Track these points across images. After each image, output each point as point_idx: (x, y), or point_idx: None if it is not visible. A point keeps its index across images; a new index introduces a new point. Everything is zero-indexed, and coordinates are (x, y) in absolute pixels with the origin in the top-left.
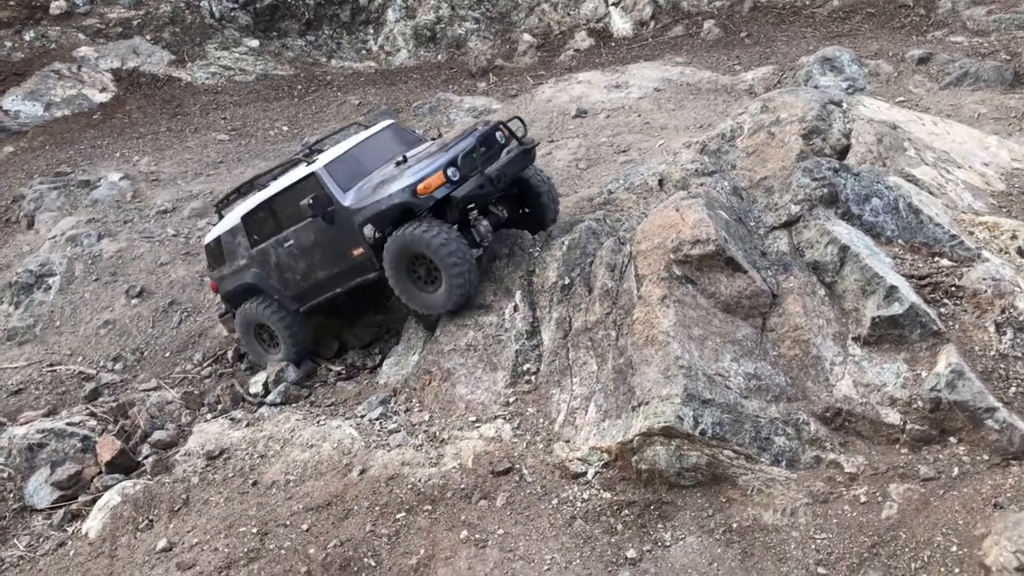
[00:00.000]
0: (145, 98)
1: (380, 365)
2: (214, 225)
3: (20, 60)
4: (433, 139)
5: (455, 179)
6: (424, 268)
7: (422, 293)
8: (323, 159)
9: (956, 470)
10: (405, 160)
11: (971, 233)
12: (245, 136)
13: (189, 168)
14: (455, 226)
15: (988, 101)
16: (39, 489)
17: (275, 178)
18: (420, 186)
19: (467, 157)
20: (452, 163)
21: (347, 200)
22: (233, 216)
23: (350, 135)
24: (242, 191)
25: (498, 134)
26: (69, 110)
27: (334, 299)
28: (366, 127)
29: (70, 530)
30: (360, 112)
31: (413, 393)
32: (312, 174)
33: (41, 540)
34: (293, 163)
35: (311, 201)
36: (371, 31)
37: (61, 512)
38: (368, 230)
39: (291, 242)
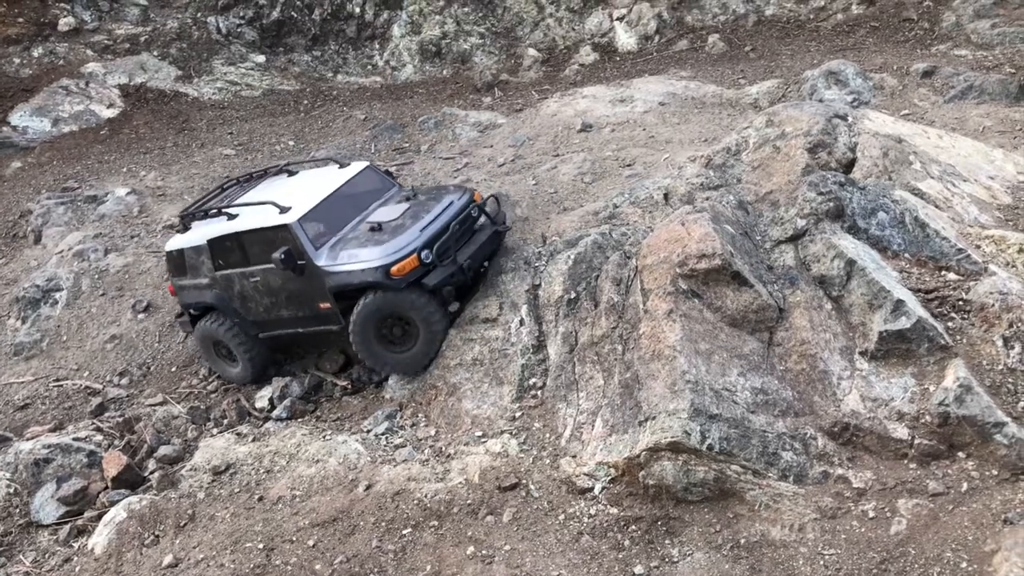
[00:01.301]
0: (152, 113)
1: (386, 380)
2: (178, 232)
3: (28, 76)
4: (408, 196)
5: (428, 262)
6: (399, 328)
7: (390, 353)
8: (297, 208)
9: (965, 485)
10: (380, 227)
11: (978, 247)
12: (252, 151)
13: (196, 183)
14: None
15: (993, 114)
16: (45, 504)
17: (242, 186)
18: (394, 268)
19: (443, 246)
20: (428, 245)
21: (319, 259)
22: (200, 235)
23: (325, 169)
24: (209, 212)
25: (473, 209)
26: (77, 126)
27: (294, 336)
28: (341, 165)
29: (76, 546)
30: (366, 127)
31: (419, 408)
32: (286, 226)
33: (47, 556)
34: (262, 176)
35: (283, 256)
36: (377, 46)
37: (67, 528)
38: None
39: (257, 279)
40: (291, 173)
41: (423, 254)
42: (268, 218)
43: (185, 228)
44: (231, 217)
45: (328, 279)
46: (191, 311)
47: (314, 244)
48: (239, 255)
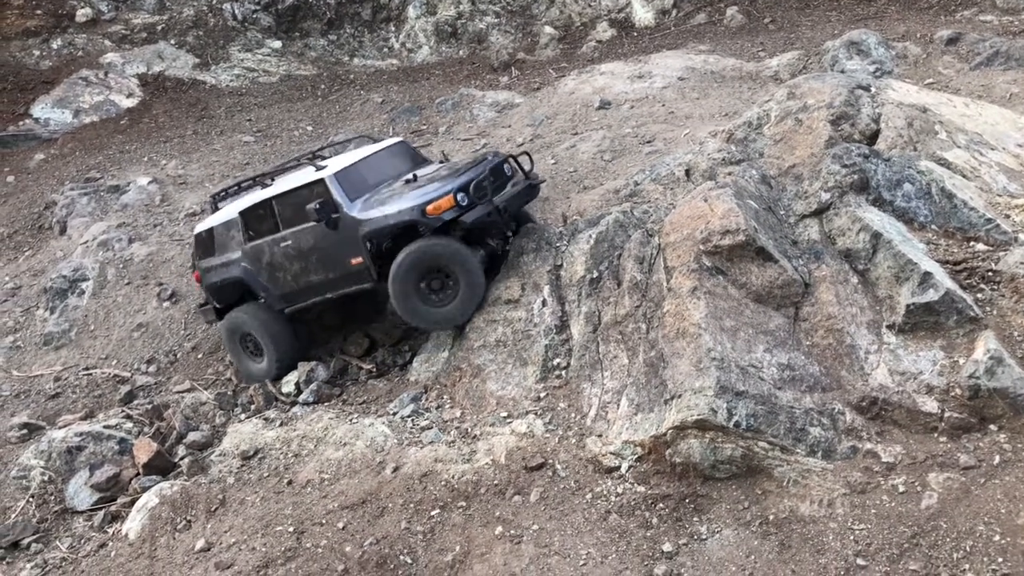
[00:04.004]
0: (171, 102)
1: (410, 362)
2: (207, 215)
3: (48, 68)
4: (441, 162)
5: (464, 204)
6: (438, 282)
7: (428, 307)
8: (333, 166)
9: (997, 458)
10: (415, 179)
11: (1007, 216)
12: (270, 137)
13: (216, 170)
14: None
15: (1020, 81)
16: (79, 491)
17: (272, 179)
18: (430, 206)
19: (478, 185)
20: (463, 188)
21: (353, 210)
22: (231, 209)
23: (358, 146)
24: (242, 186)
25: (506, 166)
26: (97, 116)
27: (322, 303)
28: (375, 140)
29: (110, 531)
30: (384, 110)
31: (444, 390)
32: (321, 180)
33: (82, 541)
34: (296, 165)
35: (318, 206)
36: (392, 28)
37: (101, 514)
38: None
39: (288, 243)
40: (323, 159)
41: (459, 196)
42: (305, 177)
43: (215, 210)
44: (265, 186)
45: (362, 227)
46: (215, 303)
47: (349, 197)
48: (271, 222)
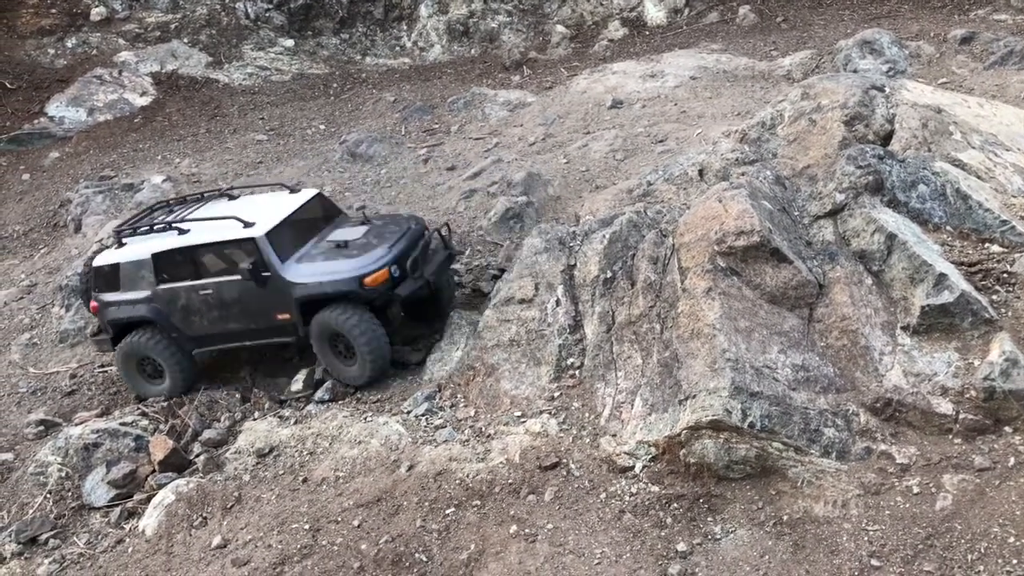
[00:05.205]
0: (184, 100)
1: (424, 361)
2: (108, 248)
3: (63, 67)
4: (363, 221)
5: (396, 276)
6: (343, 344)
7: (342, 365)
8: (261, 224)
9: (1012, 460)
10: (346, 245)
11: (1022, 218)
12: (283, 136)
13: (229, 169)
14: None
15: None
16: (96, 488)
17: (170, 210)
18: (368, 279)
19: (414, 262)
20: (395, 262)
21: (286, 272)
22: (142, 249)
23: (273, 193)
24: (154, 227)
25: (428, 236)
26: (111, 115)
27: (237, 350)
28: (291, 190)
29: (127, 527)
30: (396, 109)
31: (458, 389)
32: (251, 239)
33: (100, 537)
34: (206, 203)
35: (250, 267)
36: (404, 27)
37: (118, 510)
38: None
39: (209, 292)
40: (232, 197)
41: (392, 269)
42: (231, 232)
43: (120, 244)
44: (182, 232)
45: (296, 289)
46: (112, 335)
47: (280, 258)
48: (189, 268)
